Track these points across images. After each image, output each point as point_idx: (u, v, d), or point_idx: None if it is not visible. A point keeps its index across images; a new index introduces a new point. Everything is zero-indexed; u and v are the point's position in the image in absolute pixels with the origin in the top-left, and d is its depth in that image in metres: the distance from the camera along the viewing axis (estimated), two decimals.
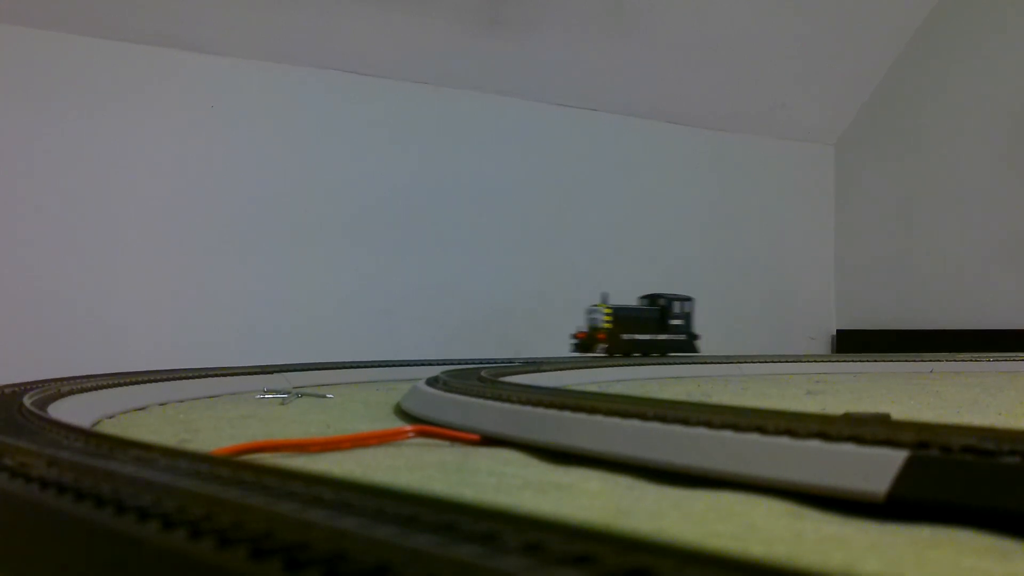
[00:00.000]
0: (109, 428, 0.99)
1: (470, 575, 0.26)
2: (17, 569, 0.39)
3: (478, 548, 0.28)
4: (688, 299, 2.43)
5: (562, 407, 0.81)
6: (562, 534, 0.30)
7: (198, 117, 2.32)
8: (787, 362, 2.37)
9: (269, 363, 1.89)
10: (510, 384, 1.20)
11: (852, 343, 3.36)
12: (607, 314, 2.22)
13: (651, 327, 2.34)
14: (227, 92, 2.36)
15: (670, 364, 2.21)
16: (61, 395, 1.02)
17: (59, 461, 0.50)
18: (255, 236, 2.37)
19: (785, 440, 0.59)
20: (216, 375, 1.50)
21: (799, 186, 3.44)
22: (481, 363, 1.98)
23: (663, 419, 0.69)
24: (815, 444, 0.58)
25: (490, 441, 0.84)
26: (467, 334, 2.61)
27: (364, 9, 2.42)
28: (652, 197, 3.07)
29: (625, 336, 2.25)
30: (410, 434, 0.85)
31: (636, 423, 0.71)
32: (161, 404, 1.26)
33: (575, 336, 2.22)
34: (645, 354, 2.29)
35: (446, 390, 1.08)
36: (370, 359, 2.16)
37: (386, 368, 1.96)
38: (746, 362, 2.31)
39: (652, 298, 2.40)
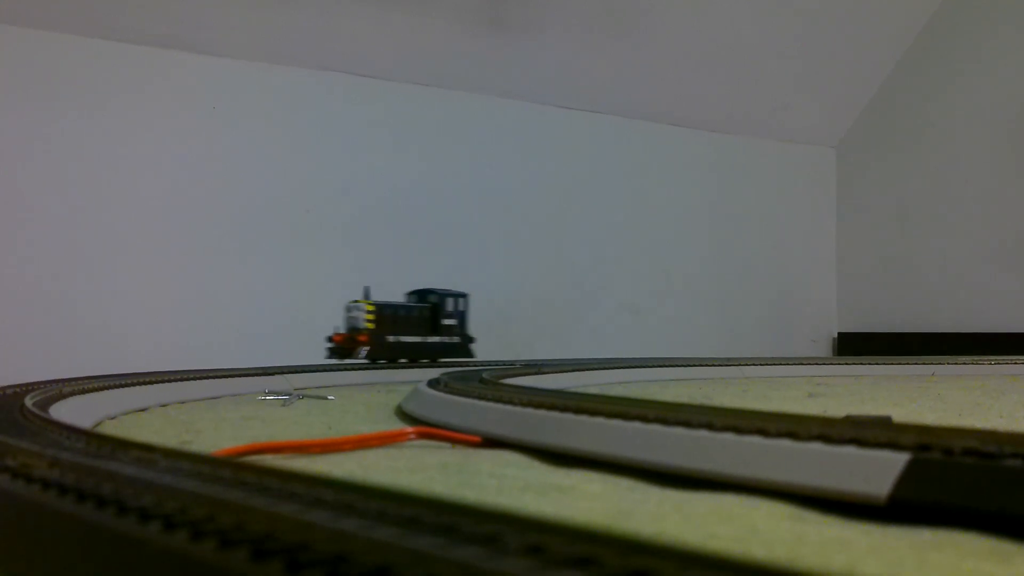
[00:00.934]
0: (110, 429, 0.99)
1: None
2: (19, 570, 0.39)
3: (479, 550, 0.28)
4: (463, 295, 2.15)
5: (564, 409, 0.81)
6: (563, 536, 0.30)
7: (199, 118, 2.32)
8: (788, 364, 2.37)
9: (270, 364, 1.89)
10: (511, 386, 1.20)
11: (853, 346, 3.36)
12: (370, 312, 1.92)
13: (421, 328, 2.04)
14: (228, 93, 2.36)
15: (670, 367, 2.20)
16: (63, 396, 1.02)
17: (61, 462, 0.50)
18: (256, 237, 2.38)
19: (786, 442, 0.59)
20: (217, 376, 1.51)
21: (801, 188, 3.44)
22: (482, 365, 1.98)
23: (665, 421, 0.69)
24: (816, 447, 0.58)
25: (491, 443, 0.84)
26: None
27: (365, 10, 2.42)
28: (653, 199, 3.07)
29: (391, 338, 1.96)
30: (411, 435, 0.85)
31: (638, 425, 0.71)
32: (162, 405, 1.26)
33: (331, 339, 1.90)
34: (413, 360, 2.01)
35: (447, 392, 1.08)
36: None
37: (387, 370, 1.96)
38: (747, 364, 2.31)
39: (421, 294, 2.11)
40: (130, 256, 2.22)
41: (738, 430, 0.63)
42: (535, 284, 2.78)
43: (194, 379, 1.44)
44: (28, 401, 0.91)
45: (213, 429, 0.99)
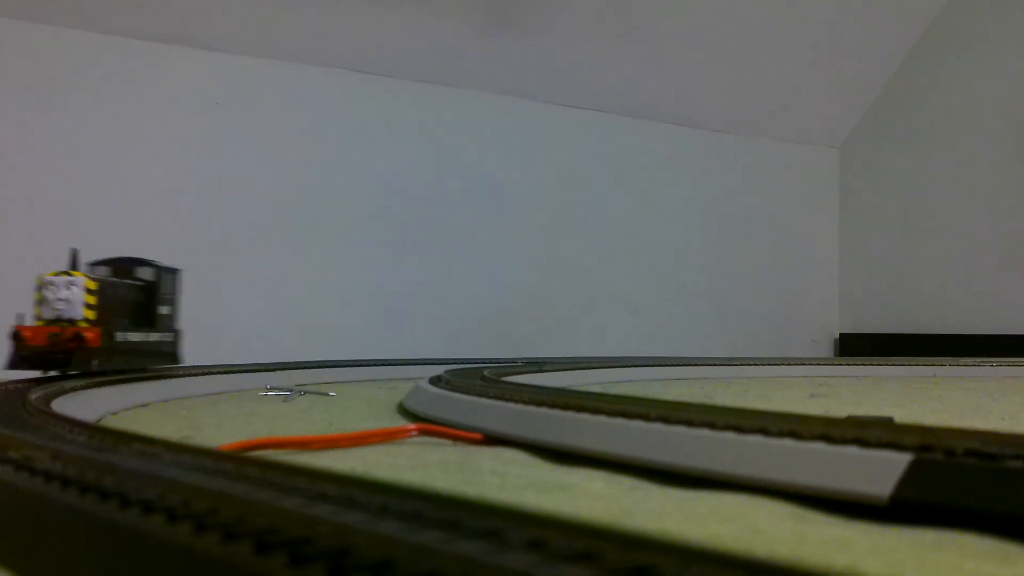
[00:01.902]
0: (113, 425, 0.99)
1: (475, 571, 0.26)
2: (24, 562, 0.39)
3: (482, 544, 0.28)
4: (175, 271, 1.49)
5: (566, 407, 0.81)
6: (566, 531, 0.30)
7: (202, 114, 2.32)
8: (790, 365, 2.37)
9: (272, 361, 1.89)
10: (513, 384, 1.20)
11: (855, 347, 3.36)
12: (92, 292, 1.19)
13: (140, 319, 1.36)
14: (231, 89, 2.36)
15: (671, 366, 2.19)
16: (65, 392, 1.02)
17: (64, 455, 0.50)
18: (258, 233, 2.38)
19: (788, 442, 0.59)
20: (219, 372, 1.51)
21: (803, 189, 3.44)
22: (483, 363, 1.98)
23: (667, 420, 0.69)
24: (818, 446, 0.58)
25: (493, 440, 0.84)
26: (470, 334, 2.61)
27: (370, 8, 2.42)
28: (656, 198, 3.07)
29: (120, 336, 1.25)
30: (413, 432, 0.85)
31: (640, 424, 0.71)
32: (164, 401, 1.27)
33: (17, 337, 1.15)
34: (124, 370, 1.28)
35: (449, 389, 1.08)
36: (372, 358, 2.16)
37: (388, 367, 1.97)
38: (749, 364, 2.31)
39: (118, 265, 1.38)
40: (130, 252, 2.21)
41: (740, 429, 0.63)
42: (537, 282, 2.78)
43: (196, 375, 1.44)
44: (32, 396, 0.91)
45: (214, 425, 0.99)
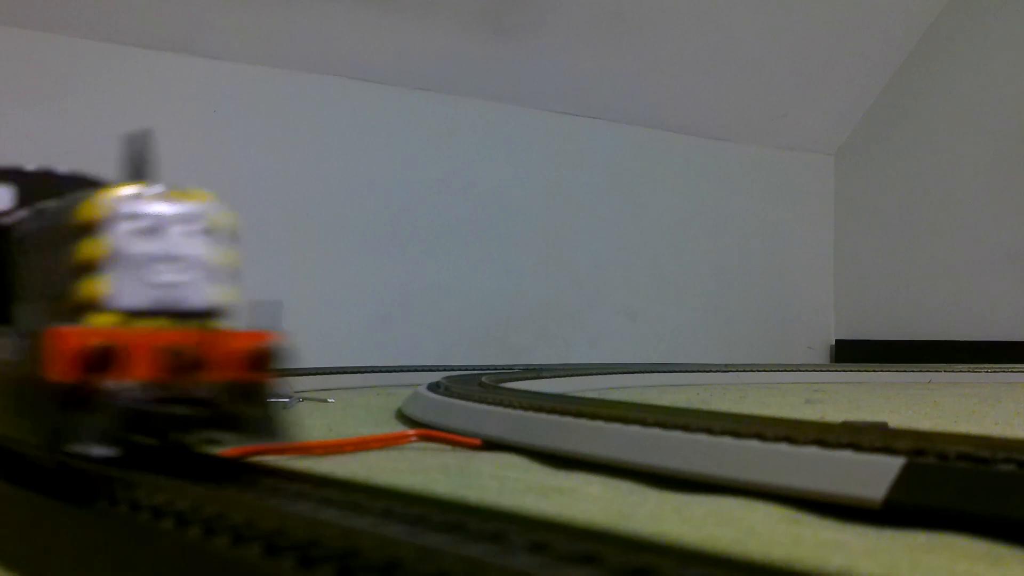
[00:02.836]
0: None
1: (479, 572, 0.26)
2: (29, 565, 0.40)
3: (486, 546, 0.29)
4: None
5: (564, 413, 0.81)
6: (567, 534, 0.31)
7: (200, 121, 2.32)
8: (786, 371, 2.38)
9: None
10: (511, 390, 1.21)
11: (851, 353, 3.37)
12: None
13: None
14: (229, 97, 2.36)
15: (668, 372, 2.20)
16: None
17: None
18: (255, 240, 2.37)
19: (784, 447, 0.60)
20: None
21: (799, 196, 3.45)
22: (481, 370, 1.98)
23: (664, 425, 0.70)
24: (813, 451, 0.58)
25: (491, 446, 0.84)
26: (467, 341, 2.62)
27: (367, 15, 2.43)
28: (652, 205, 3.08)
29: None
30: (413, 438, 0.86)
31: (637, 429, 0.71)
32: None
33: None
34: None
35: (448, 395, 1.08)
36: (369, 364, 2.16)
37: (386, 373, 1.97)
38: (745, 371, 2.32)
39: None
40: None
41: (736, 434, 0.64)
42: (534, 289, 2.79)
43: None
44: None
45: None
